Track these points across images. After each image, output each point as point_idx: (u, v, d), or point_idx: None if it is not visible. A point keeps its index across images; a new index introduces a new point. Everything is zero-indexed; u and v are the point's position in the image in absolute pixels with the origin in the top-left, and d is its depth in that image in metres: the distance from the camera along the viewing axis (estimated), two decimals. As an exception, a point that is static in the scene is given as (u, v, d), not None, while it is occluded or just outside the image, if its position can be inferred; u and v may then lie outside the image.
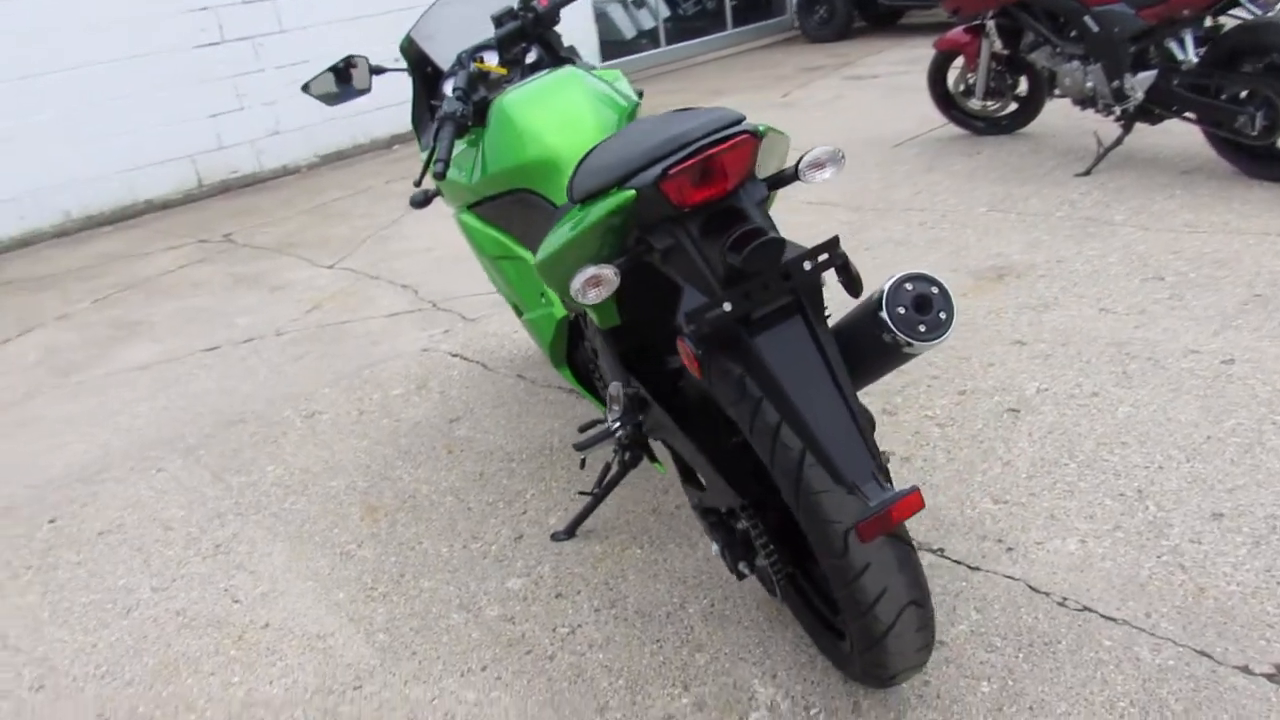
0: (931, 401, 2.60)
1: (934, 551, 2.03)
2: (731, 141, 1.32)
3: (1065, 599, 1.85)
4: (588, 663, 1.87)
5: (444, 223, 5.00)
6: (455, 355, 3.37)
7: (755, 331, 1.36)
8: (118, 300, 4.62)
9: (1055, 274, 3.27)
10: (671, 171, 1.33)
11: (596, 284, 1.40)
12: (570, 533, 2.25)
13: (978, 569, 1.96)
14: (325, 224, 5.43)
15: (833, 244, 1.39)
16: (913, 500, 1.27)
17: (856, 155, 5.10)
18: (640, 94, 2.55)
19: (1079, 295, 3.08)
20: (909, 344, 1.53)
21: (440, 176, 2.10)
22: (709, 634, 1.90)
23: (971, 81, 4.96)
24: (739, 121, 1.40)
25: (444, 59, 2.56)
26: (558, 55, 2.49)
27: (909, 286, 1.55)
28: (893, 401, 2.62)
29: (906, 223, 4.00)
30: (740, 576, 1.73)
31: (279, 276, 4.63)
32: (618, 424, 1.88)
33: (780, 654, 1.82)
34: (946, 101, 5.14)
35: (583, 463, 2.10)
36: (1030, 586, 1.89)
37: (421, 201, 2.45)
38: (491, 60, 2.40)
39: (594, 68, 2.40)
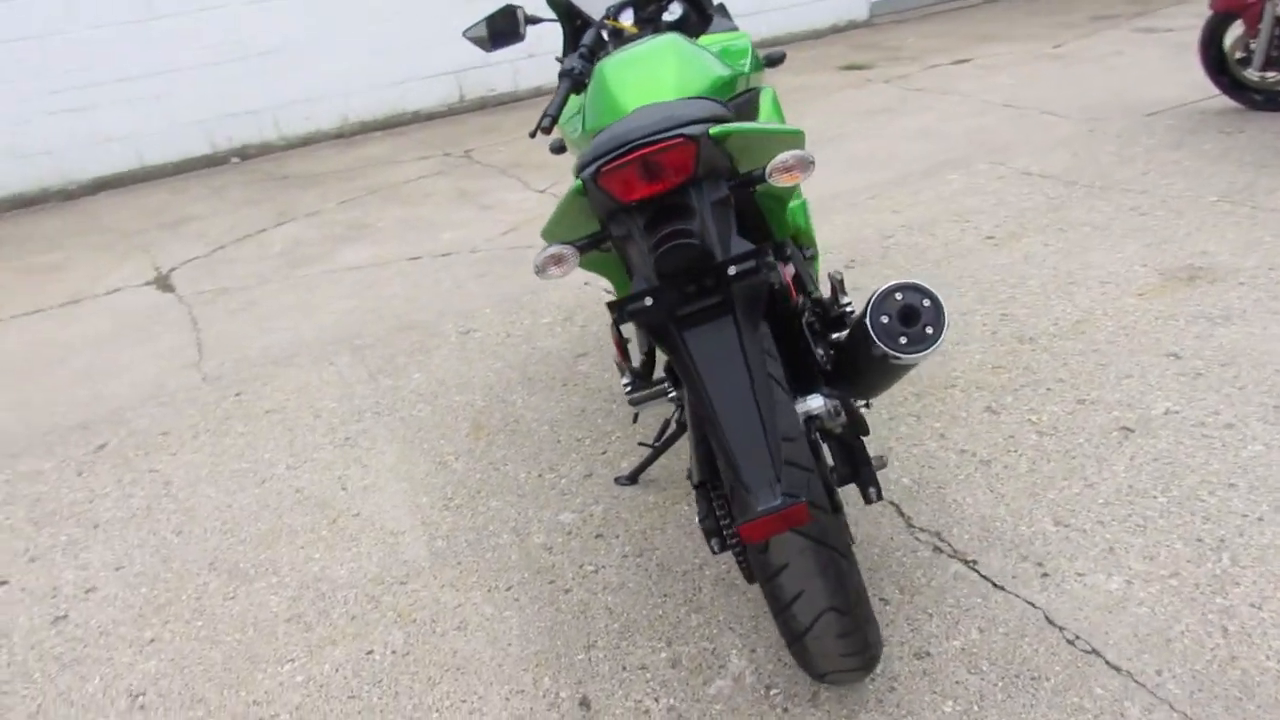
0: (1042, 406, 2.45)
1: (966, 562, 1.97)
2: (664, 144, 1.34)
3: (1077, 637, 1.75)
4: (596, 602, 2.01)
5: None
6: (606, 292, 3.54)
7: (685, 327, 1.40)
8: (360, 203, 5.18)
9: (1257, 283, 2.90)
10: (604, 168, 1.37)
11: (557, 262, 1.48)
12: (633, 479, 2.37)
13: (1002, 588, 1.88)
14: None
15: (758, 252, 1.38)
16: (792, 514, 1.28)
17: (1101, 122, 4.66)
18: (776, 58, 2.52)
19: (1273, 312, 2.73)
20: (894, 356, 1.50)
21: (545, 131, 2.22)
22: (712, 599, 1.97)
23: (1252, 48, 4.36)
24: (696, 122, 1.40)
25: (594, 11, 2.65)
26: (704, 12, 2.51)
27: (898, 296, 1.52)
28: (1001, 400, 2.50)
29: (1117, 205, 3.66)
30: (714, 551, 1.78)
31: (494, 196, 4.98)
32: (669, 386, 1.96)
33: (767, 632, 1.86)
34: (1219, 69, 4.55)
35: (635, 417, 2.20)
36: (1047, 618, 1.80)
37: (559, 149, 2.60)
38: (628, 18, 2.46)
39: (735, 30, 2.41)
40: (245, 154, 6.56)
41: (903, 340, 1.52)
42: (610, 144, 1.42)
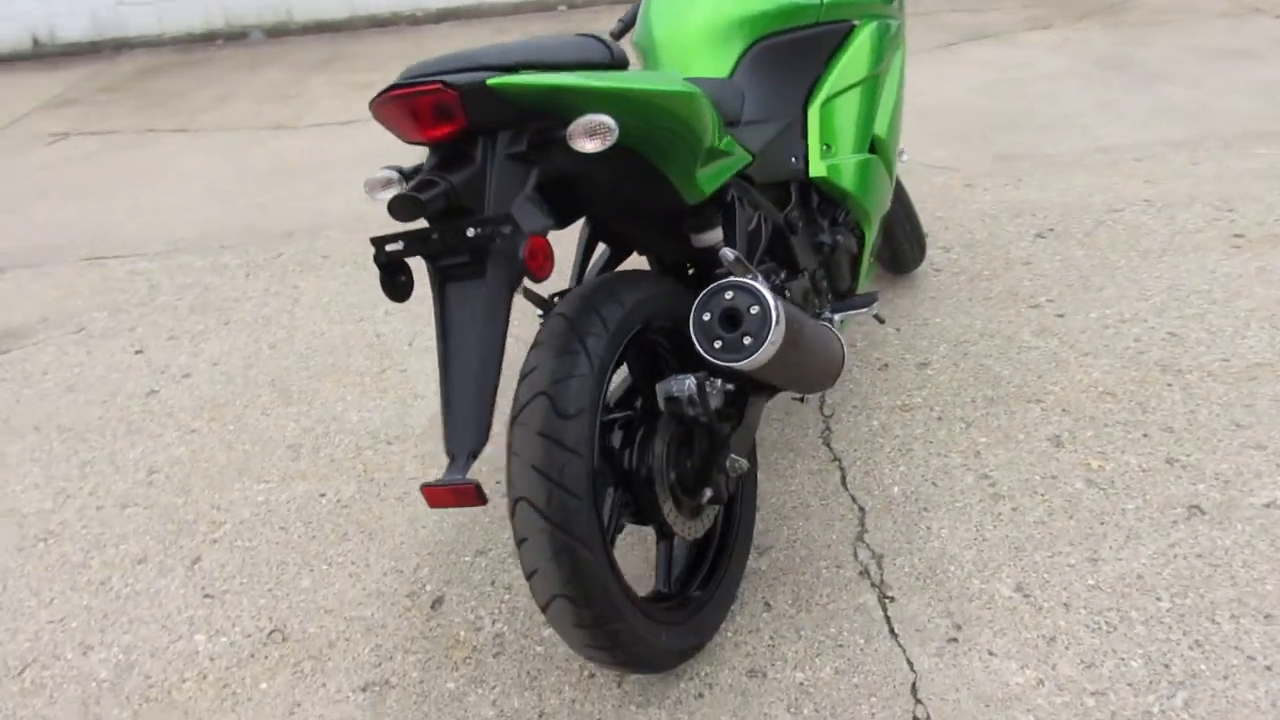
0: (1118, 453, 2.03)
1: (882, 597, 1.74)
2: (416, 88, 1.23)
3: (927, 718, 1.51)
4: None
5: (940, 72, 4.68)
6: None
7: (446, 279, 1.31)
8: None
9: None
10: (373, 102, 1.29)
11: (384, 185, 1.42)
12: None
13: (895, 637, 1.66)
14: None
15: (498, 220, 1.24)
16: (463, 492, 1.20)
17: None
18: None
19: None
20: (705, 357, 1.35)
21: (615, 36, 2.13)
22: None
23: None
24: (488, 68, 1.26)
25: None
26: None
27: (727, 295, 1.34)
28: (1077, 433, 2.10)
29: None
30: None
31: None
32: None
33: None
34: None
35: None
36: (914, 686, 1.57)
37: None
38: None
39: None
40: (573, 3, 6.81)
41: (717, 344, 1.34)
42: (401, 76, 1.34)
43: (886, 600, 1.73)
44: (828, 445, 2.15)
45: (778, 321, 1.32)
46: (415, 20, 6.80)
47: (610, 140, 1.26)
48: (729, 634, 1.70)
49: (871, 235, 2.07)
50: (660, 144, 1.43)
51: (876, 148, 2.10)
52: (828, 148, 1.93)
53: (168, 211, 3.99)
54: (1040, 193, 3.29)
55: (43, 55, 7.42)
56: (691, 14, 1.88)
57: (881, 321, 2.31)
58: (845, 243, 1.99)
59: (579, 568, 1.34)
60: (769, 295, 1.32)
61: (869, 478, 2.04)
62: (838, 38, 2.02)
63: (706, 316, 1.35)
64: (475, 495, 1.20)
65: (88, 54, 7.39)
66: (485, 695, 1.63)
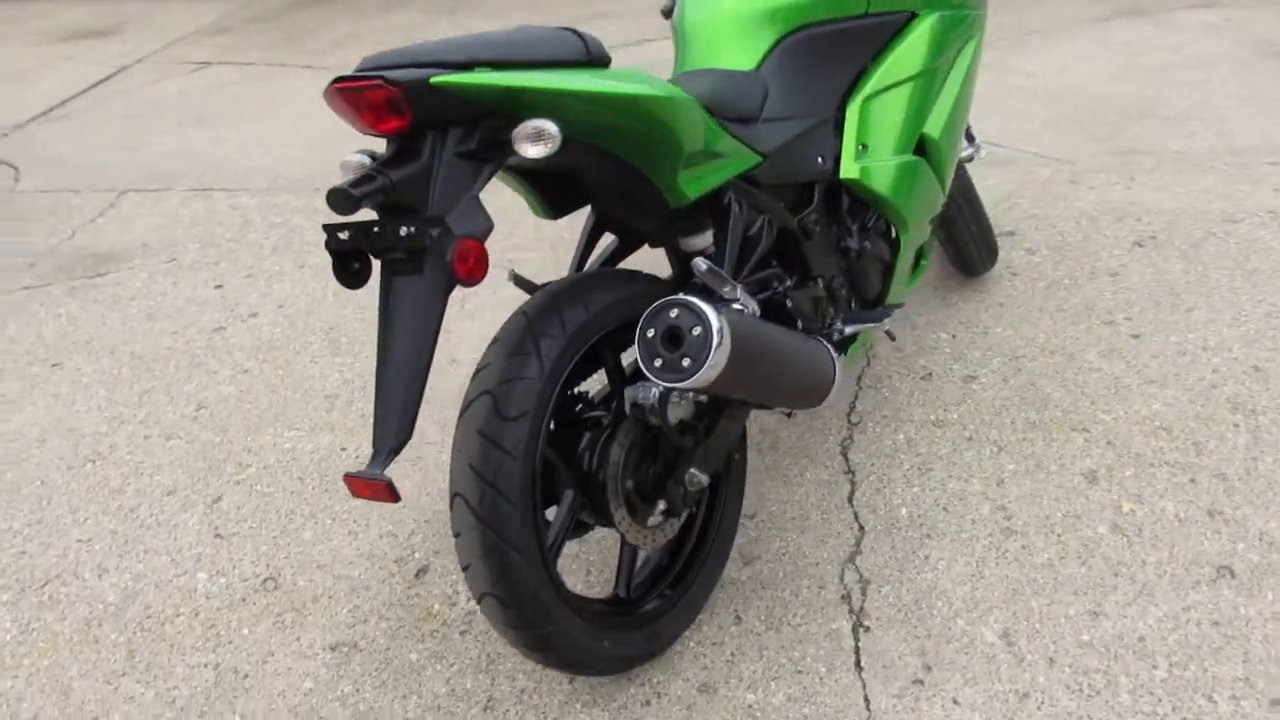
0: (1155, 499, 1.88)
1: (857, 625, 1.68)
2: (360, 83, 1.20)
3: (867, 763, 1.46)
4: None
5: (1075, 51, 4.38)
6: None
7: (392, 271, 1.30)
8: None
9: None
10: (325, 90, 1.27)
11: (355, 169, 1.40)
12: None
13: (859, 669, 1.60)
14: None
15: (425, 221, 1.21)
16: (376, 488, 1.21)
17: None
18: None
19: None
20: (645, 373, 1.31)
21: (665, 14, 2.07)
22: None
23: None
24: (443, 64, 1.22)
25: None
26: None
27: (672, 313, 1.30)
28: (1116, 472, 1.95)
29: None
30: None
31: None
32: None
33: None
34: None
35: None
36: (866, 725, 1.51)
37: None
38: None
39: None
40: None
41: (657, 362, 1.30)
42: (357, 67, 1.31)
43: (861, 629, 1.67)
44: (845, 455, 2.07)
45: (719, 345, 1.26)
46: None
47: (552, 146, 1.22)
48: (692, 643, 1.67)
49: (909, 241, 1.96)
50: (633, 145, 1.38)
51: (927, 148, 1.97)
52: (864, 148, 1.82)
53: (279, 148, 4.15)
54: (1153, 194, 3.03)
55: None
56: (715, 2, 1.79)
57: (893, 338, 2.18)
58: (874, 249, 1.89)
59: (508, 569, 1.34)
60: (713, 318, 1.27)
61: (879, 495, 1.95)
62: (892, 29, 1.90)
63: (650, 333, 1.31)
64: (387, 491, 1.20)
65: (246, -19, 7.69)
66: (442, 672, 1.66)
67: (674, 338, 1.29)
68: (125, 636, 1.78)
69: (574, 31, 1.35)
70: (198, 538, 2.00)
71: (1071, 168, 3.27)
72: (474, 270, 1.21)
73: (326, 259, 3.09)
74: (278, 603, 1.83)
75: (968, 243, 2.43)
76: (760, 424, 2.17)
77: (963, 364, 2.33)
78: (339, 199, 1.18)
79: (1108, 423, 2.08)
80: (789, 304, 1.70)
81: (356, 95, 1.19)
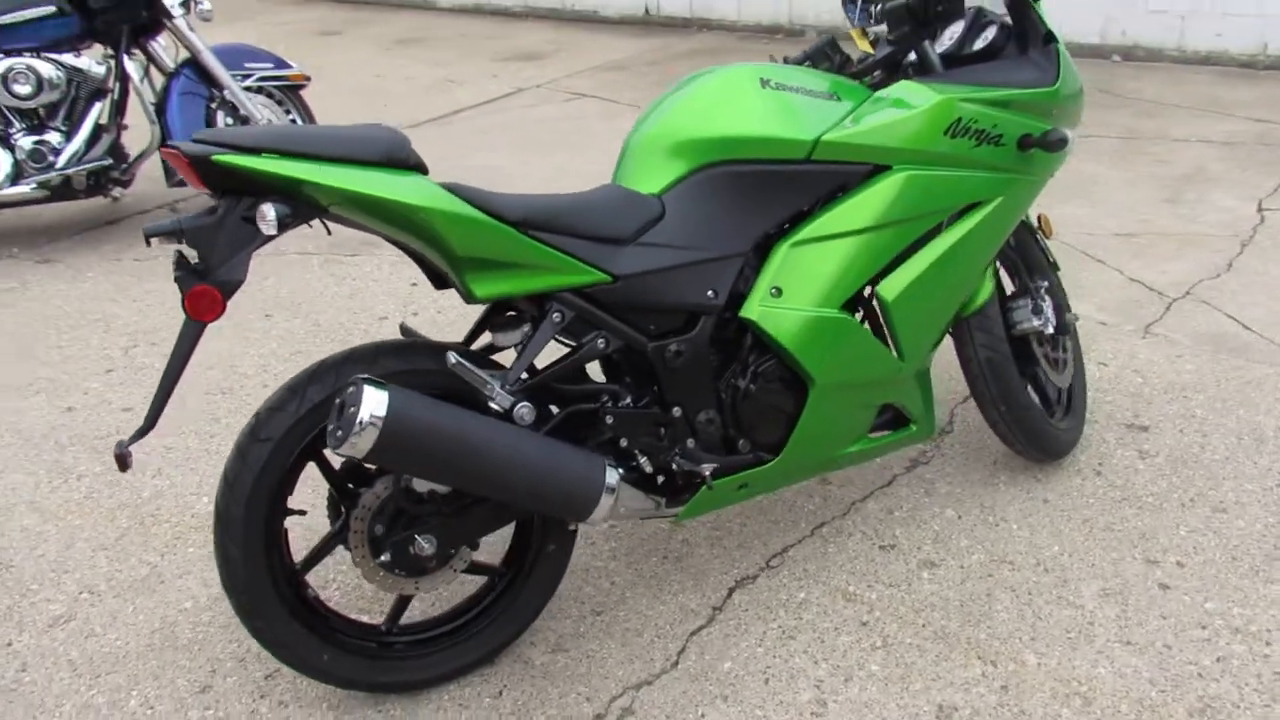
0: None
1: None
2: (172, 149, 1.46)
3: None
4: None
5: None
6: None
7: None
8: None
9: None
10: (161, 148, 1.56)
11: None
12: None
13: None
14: None
15: (177, 263, 1.46)
16: (118, 456, 1.50)
17: None
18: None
19: None
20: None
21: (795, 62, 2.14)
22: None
23: None
24: (230, 146, 1.45)
25: None
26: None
27: (349, 390, 1.48)
28: (976, 710, 1.71)
29: None
30: None
31: None
32: None
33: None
34: None
35: None
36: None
37: None
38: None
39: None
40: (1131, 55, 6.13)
41: (329, 428, 1.47)
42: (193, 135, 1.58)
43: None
44: (730, 592, 2.01)
45: (361, 430, 1.42)
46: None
47: (270, 228, 1.45)
48: (445, 696, 1.79)
49: (820, 397, 1.85)
50: (414, 241, 1.56)
51: (880, 309, 1.87)
52: (777, 292, 1.78)
53: (560, 176, 4.66)
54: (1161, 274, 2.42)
55: (648, 23, 8.70)
56: (650, 121, 1.86)
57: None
58: (767, 395, 1.82)
59: (226, 561, 1.61)
60: (368, 404, 1.42)
61: (722, 640, 1.89)
62: (847, 179, 1.82)
63: (337, 402, 1.49)
64: (118, 461, 1.52)
65: (678, 27, 8.49)
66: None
67: (341, 411, 1.46)
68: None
69: (399, 139, 1.56)
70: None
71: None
72: (202, 312, 1.48)
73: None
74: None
75: (997, 422, 2.18)
76: (685, 535, 2.17)
77: (936, 547, 2.11)
78: (145, 232, 1.52)
79: (1029, 667, 1.80)
80: (608, 420, 1.73)
81: (172, 157, 1.51)
